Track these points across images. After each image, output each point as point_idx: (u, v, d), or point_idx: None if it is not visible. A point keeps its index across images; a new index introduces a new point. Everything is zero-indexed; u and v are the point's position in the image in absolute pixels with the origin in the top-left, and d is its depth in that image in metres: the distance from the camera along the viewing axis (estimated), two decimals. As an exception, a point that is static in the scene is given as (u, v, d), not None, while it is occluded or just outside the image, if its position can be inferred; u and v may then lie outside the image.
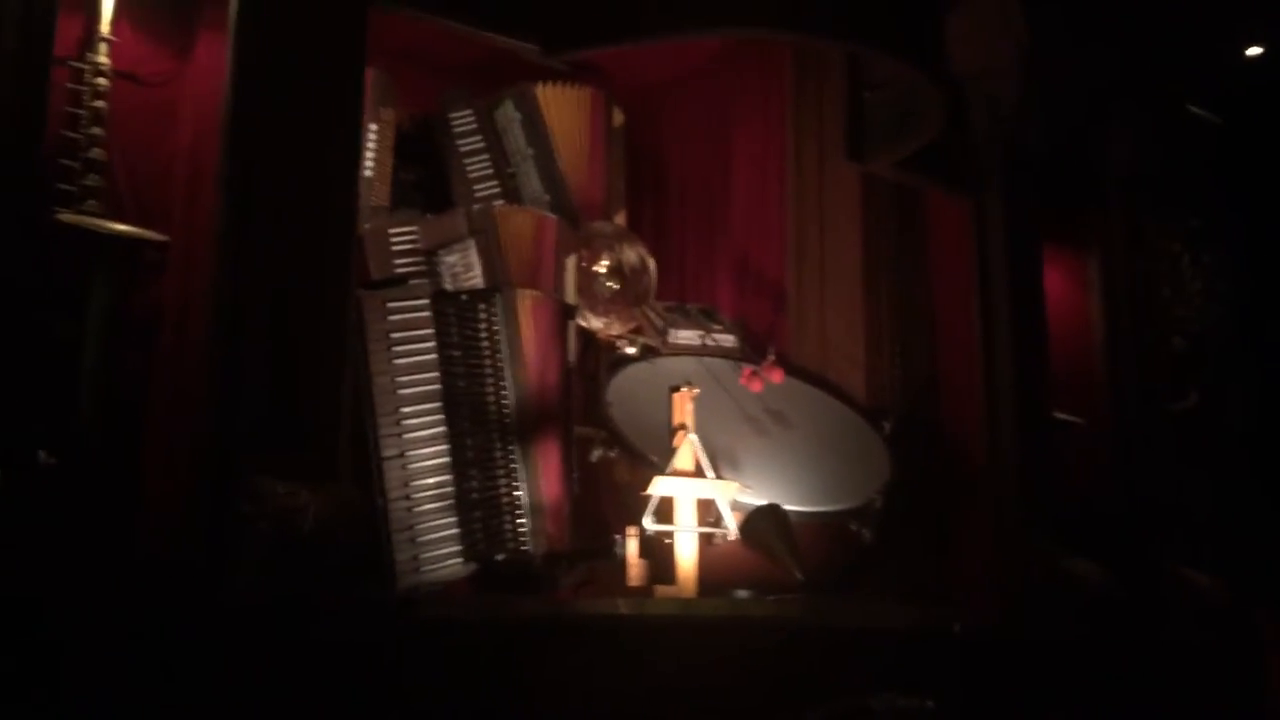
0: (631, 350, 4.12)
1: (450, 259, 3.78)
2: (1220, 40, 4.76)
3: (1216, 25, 4.69)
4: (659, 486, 3.35)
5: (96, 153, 3.10)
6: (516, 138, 4.38)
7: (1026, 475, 4.05)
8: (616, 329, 4.15)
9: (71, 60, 3.11)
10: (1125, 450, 4.59)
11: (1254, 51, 5.04)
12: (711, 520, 3.41)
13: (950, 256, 4.45)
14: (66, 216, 2.99)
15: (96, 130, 3.10)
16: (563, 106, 4.42)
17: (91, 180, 3.07)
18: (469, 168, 4.35)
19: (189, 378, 3.02)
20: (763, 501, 3.51)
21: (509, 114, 4.39)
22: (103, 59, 3.15)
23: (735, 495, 3.45)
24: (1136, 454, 4.62)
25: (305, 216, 3.02)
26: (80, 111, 3.10)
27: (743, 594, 3.44)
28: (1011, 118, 4.16)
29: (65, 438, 2.89)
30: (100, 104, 3.13)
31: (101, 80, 3.13)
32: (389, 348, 3.43)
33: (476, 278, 3.74)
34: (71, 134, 3.07)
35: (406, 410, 3.41)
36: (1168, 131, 4.97)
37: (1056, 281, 4.70)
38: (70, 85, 3.10)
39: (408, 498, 3.34)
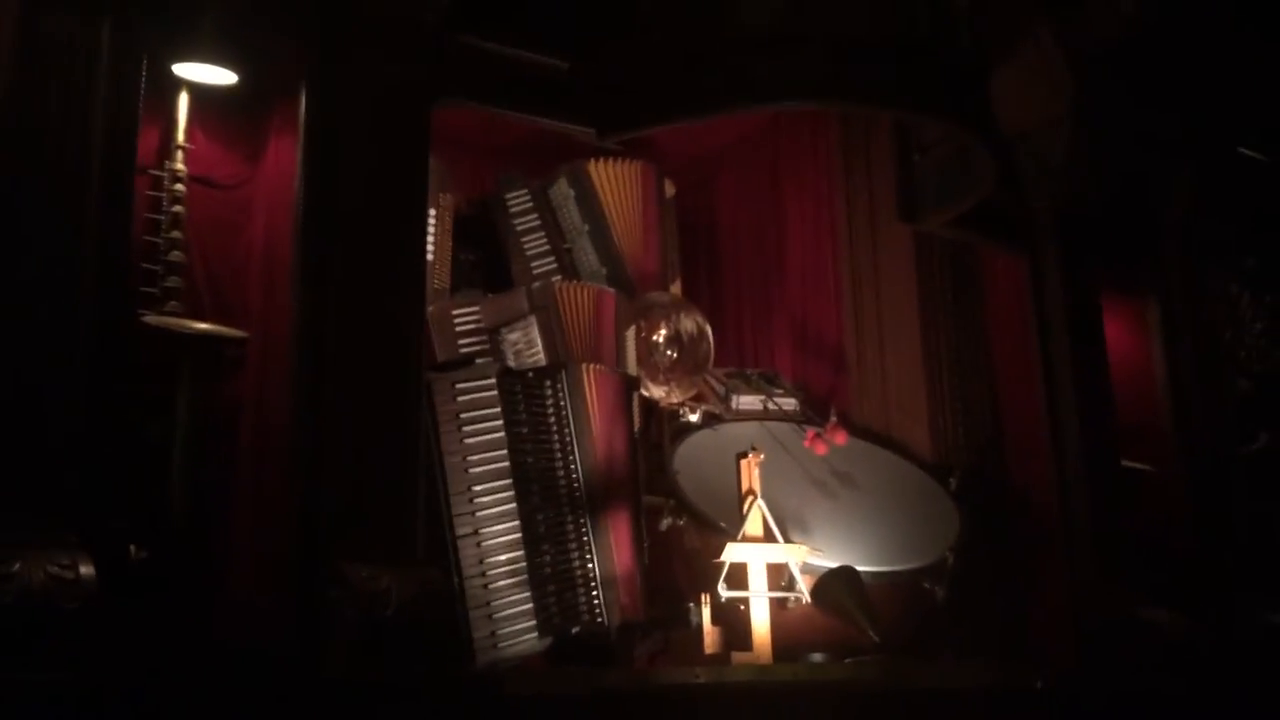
0: (694, 418, 4.16)
1: (513, 336, 3.87)
2: (1268, 80, 4.74)
3: (1266, 65, 4.67)
4: (730, 553, 3.37)
5: (176, 255, 3.23)
6: (571, 214, 4.48)
7: (1098, 526, 4.01)
8: (677, 397, 4.20)
9: (151, 169, 3.24)
10: (1197, 495, 4.52)
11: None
12: (784, 584, 3.42)
13: (1008, 309, 4.44)
14: (151, 319, 3.11)
15: (176, 234, 3.23)
16: (615, 181, 4.52)
17: (172, 282, 3.20)
18: (526, 246, 4.46)
19: (270, 466, 3.12)
20: (834, 563, 3.52)
21: (563, 191, 4.50)
22: (179, 166, 3.29)
23: (806, 558, 3.46)
24: (1208, 499, 4.55)
25: (375, 305, 3.11)
26: (160, 217, 3.23)
27: (818, 658, 3.43)
28: (1061, 171, 4.17)
29: (155, 532, 2.99)
30: (179, 208, 3.26)
31: (179, 186, 3.27)
32: (459, 427, 3.48)
33: (539, 354, 3.83)
34: (153, 239, 3.20)
35: (478, 488, 3.45)
36: (1219, 173, 4.95)
37: (1116, 329, 4.67)
38: (150, 192, 3.23)
39: (483, 575, 3.37)
